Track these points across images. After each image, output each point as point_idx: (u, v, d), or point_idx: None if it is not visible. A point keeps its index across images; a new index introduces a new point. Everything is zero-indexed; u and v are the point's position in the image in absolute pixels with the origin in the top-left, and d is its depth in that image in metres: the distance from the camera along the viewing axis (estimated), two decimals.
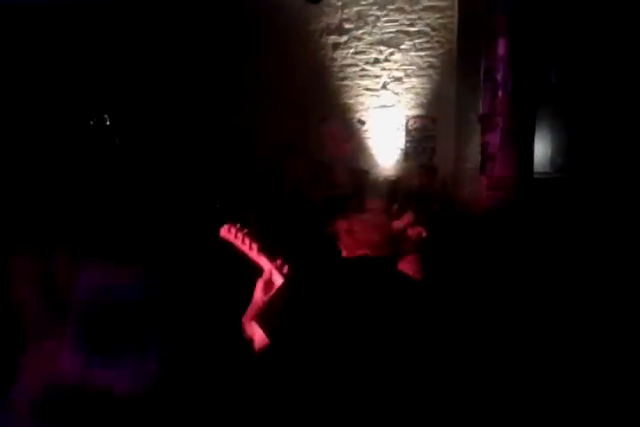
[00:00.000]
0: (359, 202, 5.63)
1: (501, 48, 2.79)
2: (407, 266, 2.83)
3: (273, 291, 1.88)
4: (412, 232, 4.40)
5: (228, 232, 1.88)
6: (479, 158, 4.79)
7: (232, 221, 1.89)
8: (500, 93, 2.83)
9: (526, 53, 2.83)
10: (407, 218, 4.56)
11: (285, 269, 1.92)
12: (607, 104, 6.00)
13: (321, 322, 1.80)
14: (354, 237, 2.10)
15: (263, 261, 1.86)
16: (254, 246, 1.86)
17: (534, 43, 2.87)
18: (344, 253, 2.10)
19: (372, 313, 1.80)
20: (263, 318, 1.79)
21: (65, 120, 6.50)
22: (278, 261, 1.91)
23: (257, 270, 1.93)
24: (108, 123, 6.90)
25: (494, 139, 2.85)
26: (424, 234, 4.12)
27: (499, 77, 2.81)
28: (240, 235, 1.84)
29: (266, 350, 1.75)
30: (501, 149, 2.83)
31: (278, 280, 1.85)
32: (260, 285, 1.90)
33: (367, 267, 2.02)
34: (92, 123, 6.83)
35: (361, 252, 2.01)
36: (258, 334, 1.76)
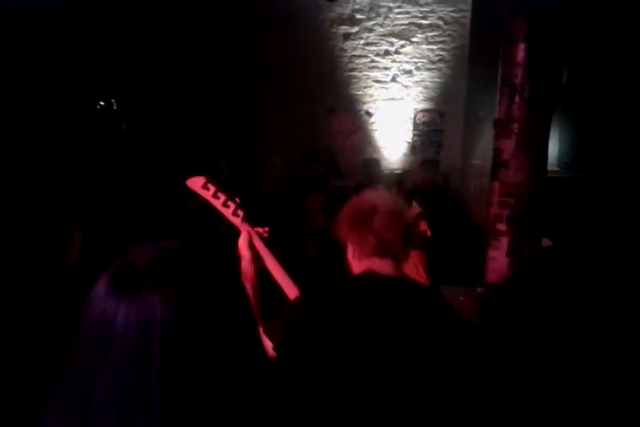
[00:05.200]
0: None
1: (521, 54, 2.78)
2: (410, 266, 2.78)
3: (253, 258, 1.78)
4: (417, 228, 4.40)
5: (199, 186, 1.73)
6: (486, 154, 4.80)
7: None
8: (517, 99, 2.83)
9: (545, 59, 2.83)
10: (414, 209, 4.54)
11: (265, 234, 1.81)
12: (616, 104, 5.99)
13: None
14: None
15: (238, 222, 1.76)
16: (230, 204, 1.74)
17: (553, 48, 2.87)
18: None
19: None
20: (269, 329, 1.68)
21: (72, 104, 6.47)
22: (259, 229, 1.80)
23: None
24: (115, 107, 6.89)
25: (509, 145, 2.85)
26: (429, 233, 4.10)
27: (517, 83, 2.81)
28: (213, 189, 1.73)
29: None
30: (515, 155, 2.83)
31: (259, 245, 1.75)
32: (243, 250, 1.77)
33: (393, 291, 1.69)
34: (99, 107, 6.82)
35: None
36: (266, 344, 1.66)
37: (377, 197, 1.80)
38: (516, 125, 2.80)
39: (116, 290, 0.78)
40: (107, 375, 0.75)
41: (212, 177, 1.78)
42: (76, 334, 0.81)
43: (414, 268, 2.90)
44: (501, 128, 2.86)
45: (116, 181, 4.44)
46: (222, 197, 1.75)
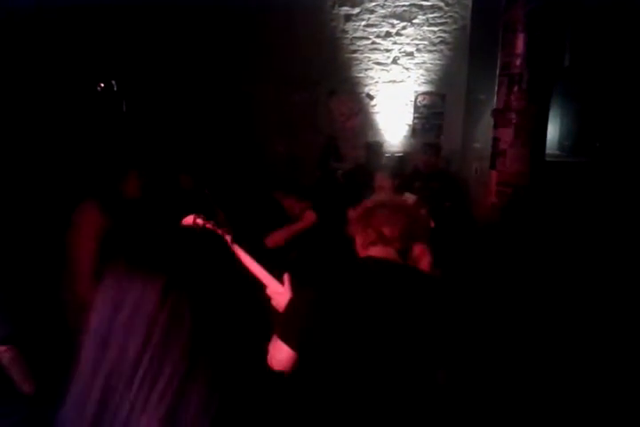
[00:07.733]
0: (366, 178, 5.63)
1: (520, 44, 2.78)
2: (420, 257, 2.83)
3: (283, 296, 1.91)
4: (421, 222, 4.41)
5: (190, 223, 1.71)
6: (487, 137, 4.80)
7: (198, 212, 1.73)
8: (515, 89, 2.83)
9: (544, 49, 2.83)
10: (409, 199, 4.58)
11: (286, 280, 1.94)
12: (619, 87, 5.96)
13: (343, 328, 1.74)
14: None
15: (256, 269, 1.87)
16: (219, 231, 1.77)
17: (552, 38, 2.86)
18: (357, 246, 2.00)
19: (395, 316, 1.75)
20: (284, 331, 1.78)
21: (73, 85, 6.45)
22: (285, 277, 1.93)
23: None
24: (115, 89, 6.87)
25: (507, 134, 2.86)
26: (432, 224, 4.14)
27: (515, 73, 2.81)
28: (201, 223, 1.70)
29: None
30: (513, 145, 2.85)
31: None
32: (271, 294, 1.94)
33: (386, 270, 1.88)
34: (99, 88, 6.80)
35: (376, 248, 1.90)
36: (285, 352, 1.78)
37: (382, 197, 2.04)
38: (514, 115, 2.82)
39: (137, 268, 0.87)
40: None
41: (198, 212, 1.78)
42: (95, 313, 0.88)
43: (420, 260, 2.96)
44: (499, 118, 2.87)
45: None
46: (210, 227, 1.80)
